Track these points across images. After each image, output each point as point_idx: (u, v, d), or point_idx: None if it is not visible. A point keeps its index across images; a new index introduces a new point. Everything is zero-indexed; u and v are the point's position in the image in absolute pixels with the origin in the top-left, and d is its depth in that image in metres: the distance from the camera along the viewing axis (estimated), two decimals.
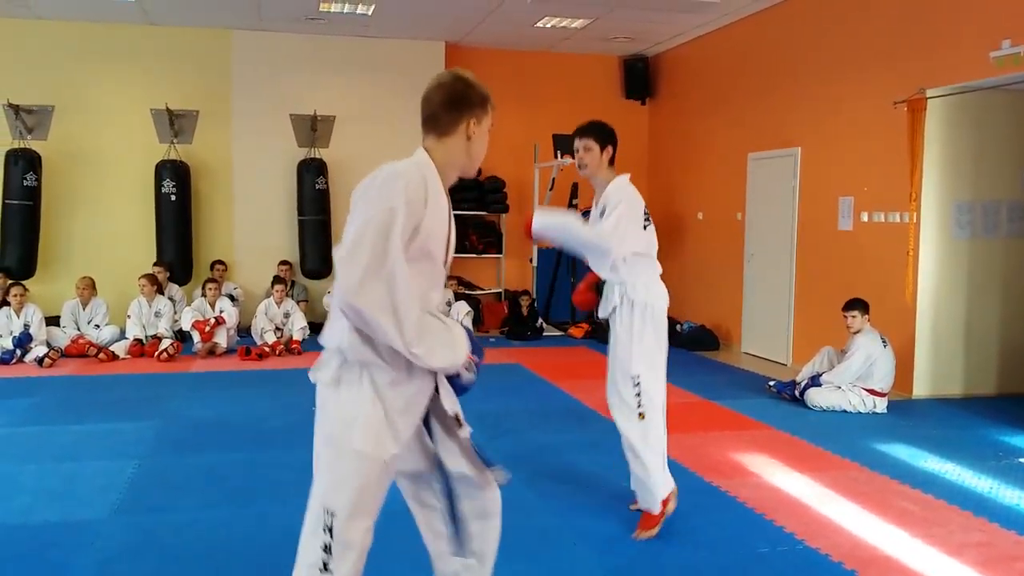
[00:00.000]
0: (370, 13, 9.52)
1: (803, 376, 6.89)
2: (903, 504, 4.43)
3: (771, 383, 7.18)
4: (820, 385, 6.65)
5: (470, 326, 9.54)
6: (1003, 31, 6.13)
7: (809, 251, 8.45)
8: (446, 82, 2.44)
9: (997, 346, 7.22)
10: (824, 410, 6.55)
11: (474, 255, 11.22)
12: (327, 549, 2.31)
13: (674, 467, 5.06)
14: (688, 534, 3.99)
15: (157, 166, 9.98)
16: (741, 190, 9.59)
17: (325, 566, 2.31)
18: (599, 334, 10.18)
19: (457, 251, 11.31)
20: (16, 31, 9.81)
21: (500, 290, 11.32)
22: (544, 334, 10.39)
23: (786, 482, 4.80)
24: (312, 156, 10.51)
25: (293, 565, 2.43)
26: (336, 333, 2.30)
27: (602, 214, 3.91)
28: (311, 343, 9.25)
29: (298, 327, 9.06)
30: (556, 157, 10.12)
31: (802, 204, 8.57)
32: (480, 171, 11.05)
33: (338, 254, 2.20)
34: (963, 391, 7.16)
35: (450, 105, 2.42)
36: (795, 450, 5.48)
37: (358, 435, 2.28)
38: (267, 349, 8.69)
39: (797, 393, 6.79)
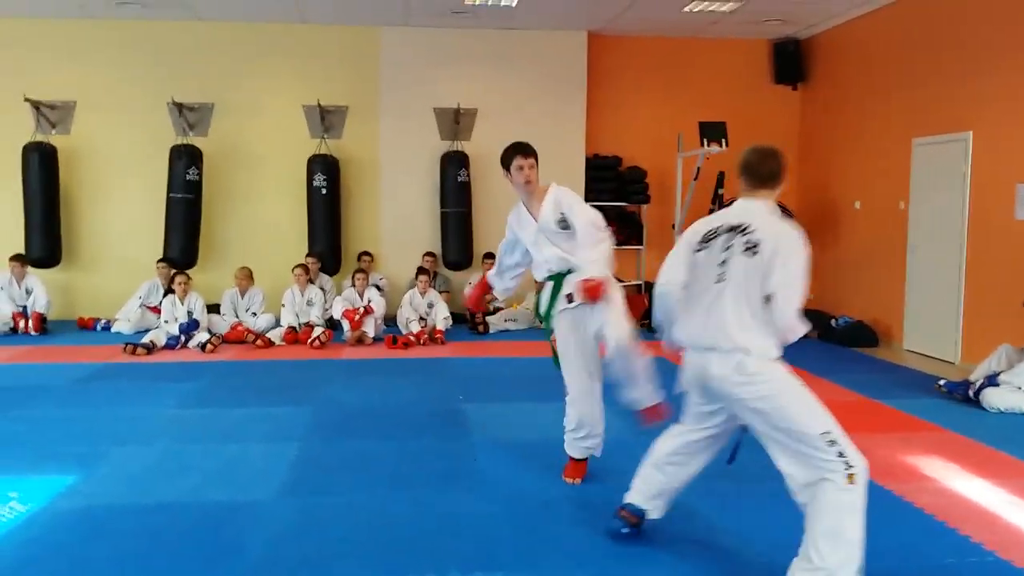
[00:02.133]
0: (514, 4, 9.49)
1: (978, 375, 6.41)
2: None
3: (941, 382, 6.70)
4: (998, 385, 6.16)
5: None
6: None
7: (981, 242, 7.86)
8: (777, 154, 3.43)
9: None
10: (1002, 412, 6.07)
11: (615, 247, 11.03)
12: (841, 455, 3.14)
13: None
14: (866, 541, 3.73)
15: (308, 160, 10.31)
16: (904, 178, 9.02)
17: (848, 464, 3.13)
18: None
19: None
20: (179, 32, 10.33)
21: (640, 282, 11.11)
22: None
23: (968, 488, 4.45)
24: (455, 149, 10.61)
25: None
26: (761, 343, 3.28)
27: (563, 220, 4.39)
28: (453, 332, 9.35)
29: (441, 317, 9.16)
30: (703, 145, 9.82)
31: (973, 192, 7.98)
32: (620, 161, 10.98)
33: (792, 302, 3.23)
34: None
35: (784, 169, 3.44)
36: (974, 454, 5.08)
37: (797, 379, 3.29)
38: (412, 338, 8.82)
39: (971, 393, 6.31)
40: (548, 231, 4.45)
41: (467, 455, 5.04)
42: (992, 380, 6.23)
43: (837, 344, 9.24)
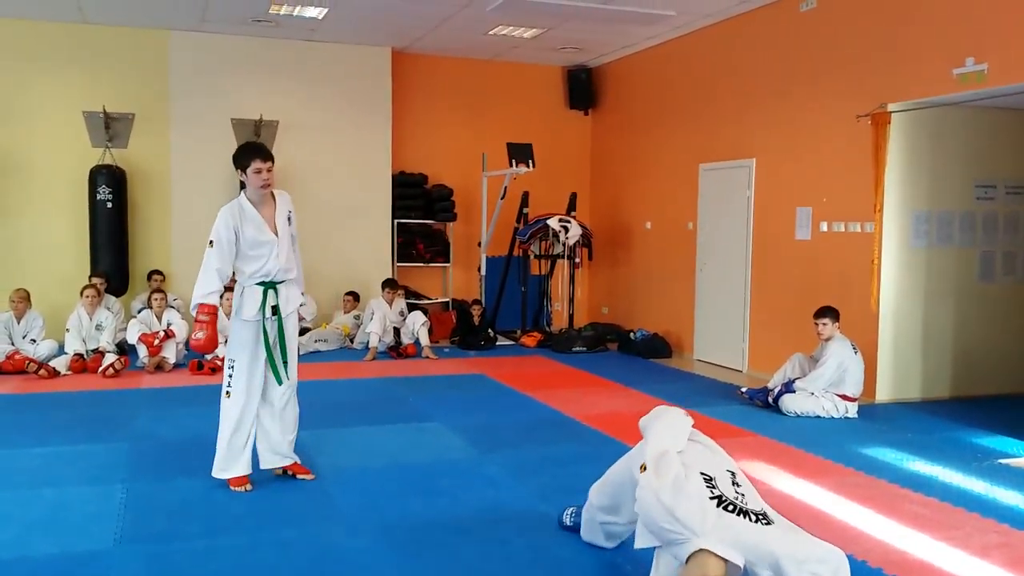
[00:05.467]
0: (320, 17, 9.29)
1: (775, 382, 7.03)
2: (912, 508, 4.56)
3: (743, 390, 7.30)
4: (794, 391, 6.80)
5: (427, 337, 9.40)
6: (966, 49, 6.41)
7: (764, 259, 8.64)
8: None
9: (951, 351, 7.54)
10: (798, 416, 6.70)
11: (421, 264, 11.08)
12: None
13: None
14: None
15: (92, 172, 9.49)
16: (692, 200, 9.74)
17: None
18: (552, 343, 10.18)
19: (404, 260, 11.08)
20: None
21: (448, 299, 11.19)
22: (496, 343, 10.30)
23: (794, 489, 4.88)
24: None
25: None
26: None
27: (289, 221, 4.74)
28: None
29: None
30: (511, 165, 10.07)
31: (757, 214, 8.76)
32: (426, 178, 11.02)
33: None
34: (921, 395, 7.44)
35: None
36: (788, 457, 5.57)
37: None
38: (219, 363, 8.32)
39: (770, 399, 6.92)
40: (286, 238, 4.69)
41: (317, 486, 4.85)
42: (789, 387, 6.86)
43: (636, 356, 9.80)
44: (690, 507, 2.90)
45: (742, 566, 2.84)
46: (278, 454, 4.90)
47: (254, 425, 4.77)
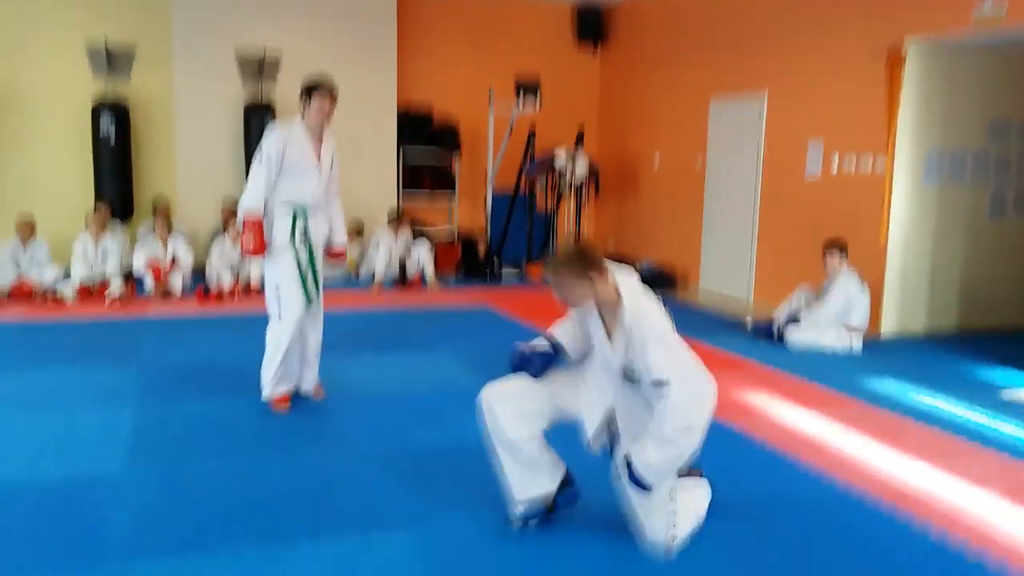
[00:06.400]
0: None
1: (780, 315, 7.04)
2: (913, 438, 4.59)
3: (748, 320, 7.31)
4: (799, 323, 6.81)
5: (432, 268, 9.42)
6: None
7: (774, 193, 8.57)
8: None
9: (958, 284, 7.53)
10: (803, 348, 6.72)
11: (426, 191, 11.04)
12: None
13: None
14: (730, 476, 3.96)
15: (95, 105, 9.40)
16: (702, 135, 9.63)
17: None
18: None
19: (410, 187, 10.88)
20: None
21: (453, 227, 11.18)
22: (502, 276, 10.30)
23: (798, 420, 4.91)
24: (260, 95, 10.05)
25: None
26: None
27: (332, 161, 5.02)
28: None
29: (256, 269, 8.73)
30: (518, 100, 9.93)
31: (768, 148, 8.66)
32: (432, 112, 10.89)
33: None
34: (926, 328, 7.45)
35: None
36: (792, 387, 5.60)
37: None
38: (225, 291, 8.37)
39: (775, 332, 6.94)
40: (326, 171, 4.93)
41: (323, 412, 4.91)
42: (793, 319, 6.87)
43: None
44: (633, 277, 3.11)
45: (629, 328, 2.98)
46: (308, 378, 5.14)
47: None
